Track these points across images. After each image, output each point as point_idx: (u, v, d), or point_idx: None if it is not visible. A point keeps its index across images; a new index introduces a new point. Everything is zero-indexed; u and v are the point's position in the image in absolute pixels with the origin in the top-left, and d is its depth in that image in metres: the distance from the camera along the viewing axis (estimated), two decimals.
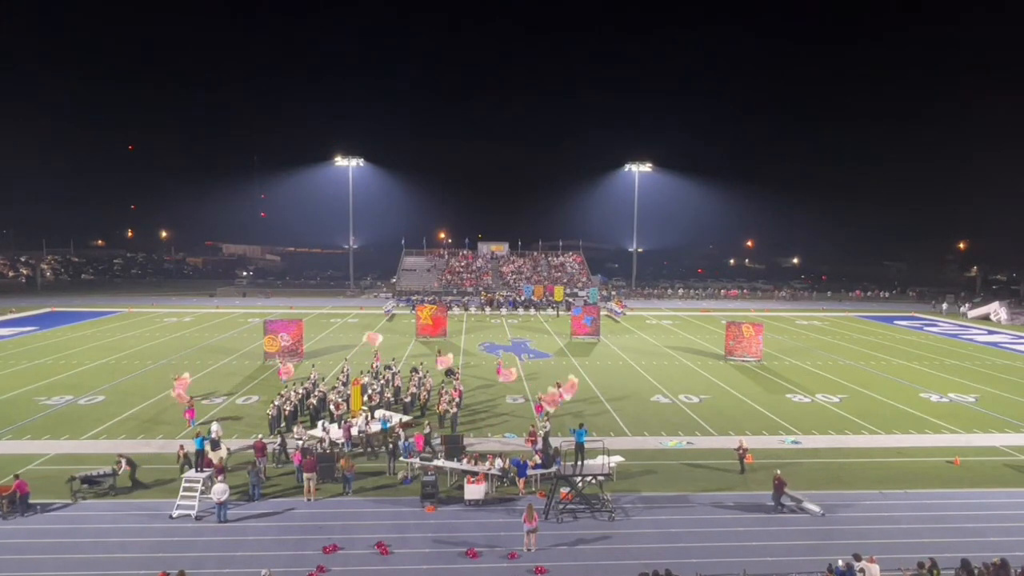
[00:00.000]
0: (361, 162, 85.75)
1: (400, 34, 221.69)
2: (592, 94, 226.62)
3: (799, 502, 18.61)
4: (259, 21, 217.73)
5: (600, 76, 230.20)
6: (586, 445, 20.46)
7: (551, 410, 26.16)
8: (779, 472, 19.02)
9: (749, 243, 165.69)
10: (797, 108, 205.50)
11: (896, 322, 62.68)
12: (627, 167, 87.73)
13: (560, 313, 65.15)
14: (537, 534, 16.29)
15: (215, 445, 21.33)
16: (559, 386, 27.13)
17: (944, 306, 73.07)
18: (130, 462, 19.97)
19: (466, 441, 22.94)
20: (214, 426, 22.97)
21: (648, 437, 25.41)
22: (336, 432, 23.32)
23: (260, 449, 20.75)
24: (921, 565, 14.40)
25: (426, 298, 69.99)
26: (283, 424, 25.37)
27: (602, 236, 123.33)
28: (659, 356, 42.77)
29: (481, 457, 20.69)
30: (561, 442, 21.90)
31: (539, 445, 21.63)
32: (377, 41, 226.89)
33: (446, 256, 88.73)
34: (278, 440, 22.51)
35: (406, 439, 22.01)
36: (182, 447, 21.26)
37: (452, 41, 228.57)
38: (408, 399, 28.89)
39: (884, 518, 18.41)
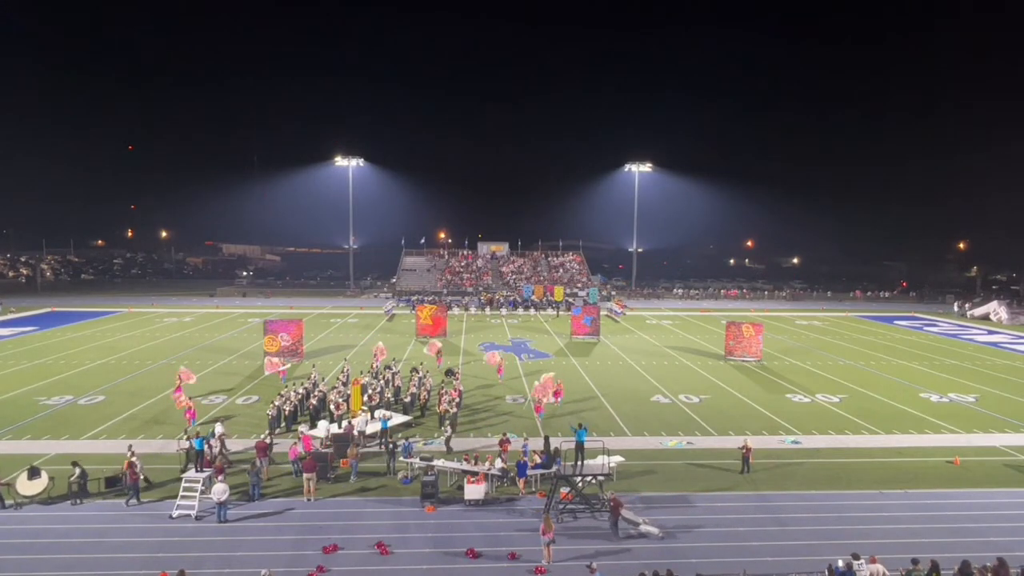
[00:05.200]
0: (361, 162, 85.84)
1: (401, 34, 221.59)
2: (592, 94, 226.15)
3: (636, 525, 17.27)
4: (259, 21, 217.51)
5: (600, 76, 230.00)
6: (586, 445, 20.49)
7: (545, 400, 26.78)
8: (613, 493, 17.90)
9: (749, 243, 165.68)
10: (797, 108, 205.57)
11: (896, 322, 62.71)
12: (627, 167, 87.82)
13: (560, 313, 65.16)
14: (553, 547, 15.59)
15: (33, 473, 18.77)
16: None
17: (955, 307, 72.40)
18: None
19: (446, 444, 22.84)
20: (218, 427, 22.94)
21: (648, 437, 25.41)
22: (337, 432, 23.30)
23: (261, 449, 20.74)
24: (915, 562, 14.38)
25: (426, 298, 70.03)
26: (283, 424, 25.37)
27: (602, 236, 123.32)
28: (659, 356, 42.77)
29: (480, 457, 20.72)
30: (561, 442, 21.92)
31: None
32: (378, 41, 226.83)
33: (446, 256, 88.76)
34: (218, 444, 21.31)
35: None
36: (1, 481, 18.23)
37: (453, 41, 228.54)
38: (408, 399, 28.90)
39: (884, 518, 18.41)
